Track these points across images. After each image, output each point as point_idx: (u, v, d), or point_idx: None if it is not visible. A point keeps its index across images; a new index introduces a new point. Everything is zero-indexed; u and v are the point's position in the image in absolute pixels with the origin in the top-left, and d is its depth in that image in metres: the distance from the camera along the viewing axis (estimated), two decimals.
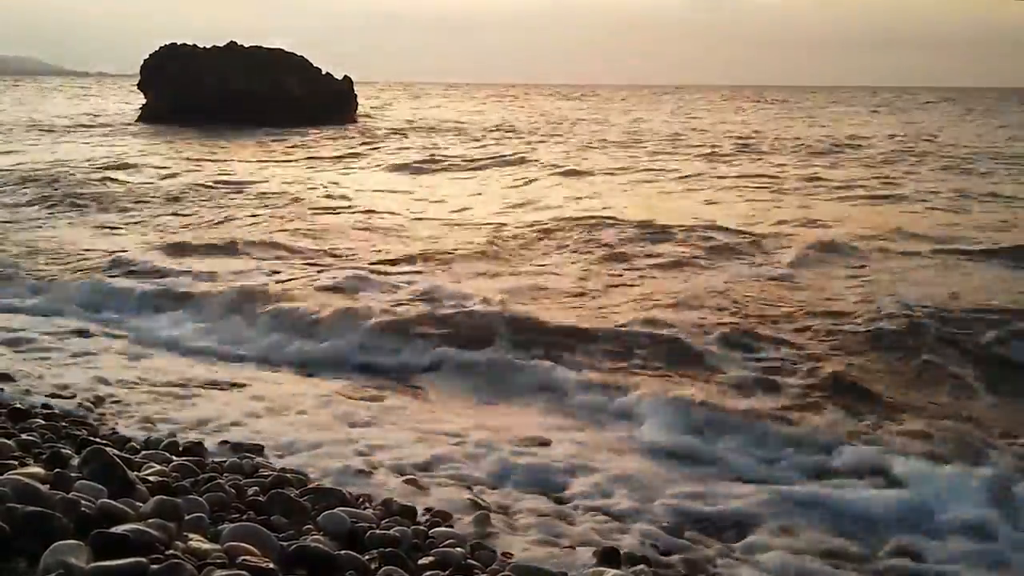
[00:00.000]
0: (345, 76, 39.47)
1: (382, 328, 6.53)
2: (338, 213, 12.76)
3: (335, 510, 3.41)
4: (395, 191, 15.78)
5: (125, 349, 6.24)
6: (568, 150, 23.70)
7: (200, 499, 3.24)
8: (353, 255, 9.57)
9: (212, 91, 35.19)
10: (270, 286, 7.79)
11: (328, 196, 14.64)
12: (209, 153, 22.35)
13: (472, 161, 20.93)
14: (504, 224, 11.58)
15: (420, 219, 12.26)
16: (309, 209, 13.02)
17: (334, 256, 9.51)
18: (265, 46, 38.76)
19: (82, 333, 6.58)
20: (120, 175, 16.79)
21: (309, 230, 11.12)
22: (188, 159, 20.55)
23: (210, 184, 15.74)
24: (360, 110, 40.86)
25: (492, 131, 31.78)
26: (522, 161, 20.48)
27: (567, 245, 10.22)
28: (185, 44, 38.07)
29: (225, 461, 3.93)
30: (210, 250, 9.68)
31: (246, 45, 38.26)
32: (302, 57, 38.88)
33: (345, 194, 14.93)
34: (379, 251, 9.75)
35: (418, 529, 3.39)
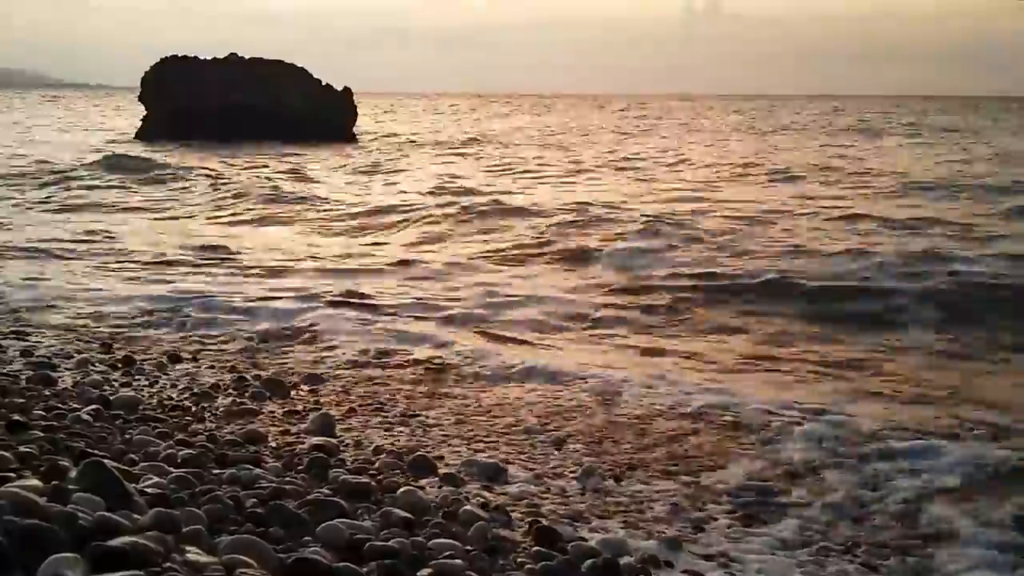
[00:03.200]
0: (345, 87, 39.55)
1: None
2: None
3: (334, 521, 3.40)
4: None
5: None
6: None
7: (198, 511, 3.24)
8: None
9: (212, 103, 35.24)
10: None
11: None
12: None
13: None
14: None
15: None
16: None
17: None
18: (266, 57, 38.83)
19: None
20: None
21: None
22: None
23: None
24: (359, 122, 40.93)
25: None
26: None
27: None
28: (186, 56, 38.14)
29: (224, 472, 3.92)
30: None
31: (246, 57, 38.33)
32: (302, 68, 38.96)
33: None
34: None
35: (417, 540, 3.38)
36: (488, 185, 18.65)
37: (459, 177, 20.53)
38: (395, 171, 23.29)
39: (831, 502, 4.27)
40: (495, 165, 24.36)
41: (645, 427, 5.25)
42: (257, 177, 20.47)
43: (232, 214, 15.59)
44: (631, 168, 23.21)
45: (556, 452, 4.88)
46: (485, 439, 5.03)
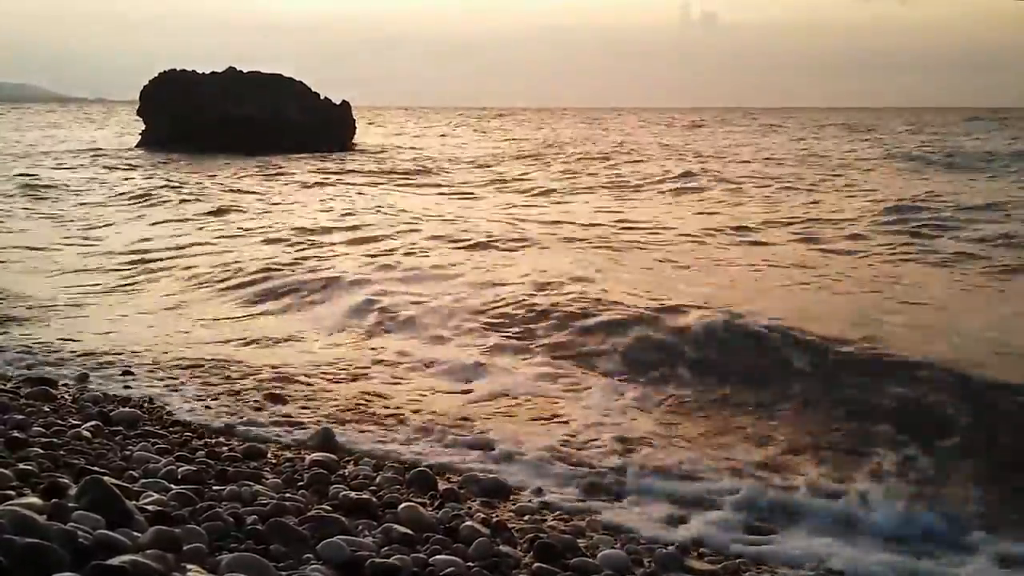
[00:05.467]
0: (343, 101, 39.68)
1: None
2: None
3: (334, 538, 3.39)
4: None
5: None
6: None
7: (199, 528, 3.22)
8: None
9: (211, 116, 35.33)
10: None
11: None
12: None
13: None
14: None
15: None
16: None
17: None
18: (264, 71, 38.97)
19: None
20: None
21: None
22: None
23: None
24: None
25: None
26: None
27: None
28: (184, 70, 38.25)
29: (224, 489, 3.91)
30: None
31: (245, 70, 38.46)
32: (301, 82, 39.11)
33: None
34: None
35: (418, 557, 3.37)
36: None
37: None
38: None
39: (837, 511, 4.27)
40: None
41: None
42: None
43: None
44: None
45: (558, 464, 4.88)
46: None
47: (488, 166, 28.03)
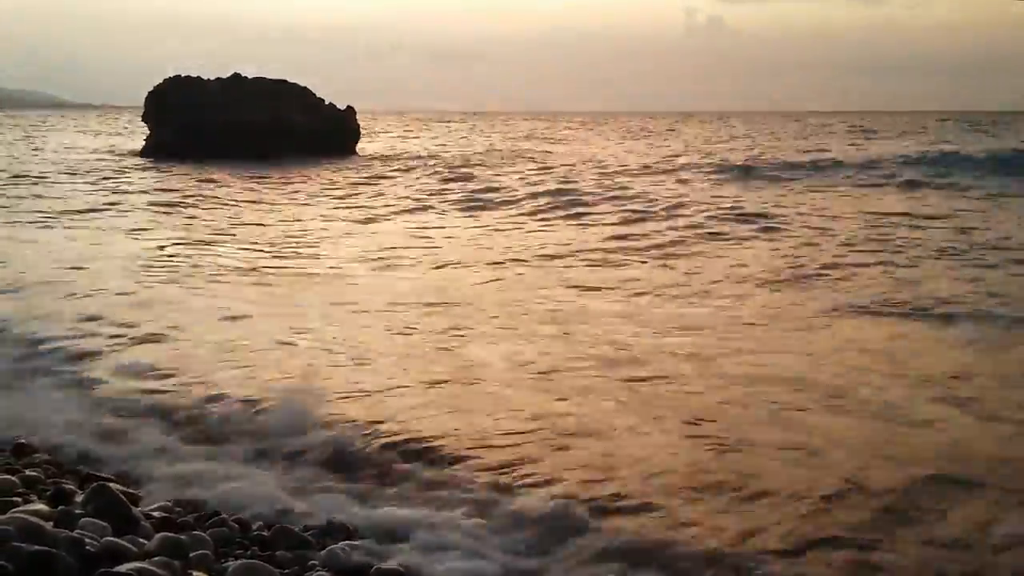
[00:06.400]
0: (348, 106, 39.73)
1: None
2: None
3: (339, 544, 3.39)
4: None
5: None
6: None
7: (204, 535, 3.23)
8: None
9: (216, 122, 35.39)
10: None
11: None
12: None
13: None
14: None
15: None
16: None
17: None
18: (269, 77, 39.05)
19: None
20: None
21: None
22: None
23: None
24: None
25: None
26: None
27: None
28: (189, 76, 38.35)
29: None
30: None
31: (250, 76, 38.53)
32: (305, 88, 39.17)
33: None
34: None
35: None
36: None
37: None
38: None
39: None
40: None
41: None
42: None
43: None
44: None
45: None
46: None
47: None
